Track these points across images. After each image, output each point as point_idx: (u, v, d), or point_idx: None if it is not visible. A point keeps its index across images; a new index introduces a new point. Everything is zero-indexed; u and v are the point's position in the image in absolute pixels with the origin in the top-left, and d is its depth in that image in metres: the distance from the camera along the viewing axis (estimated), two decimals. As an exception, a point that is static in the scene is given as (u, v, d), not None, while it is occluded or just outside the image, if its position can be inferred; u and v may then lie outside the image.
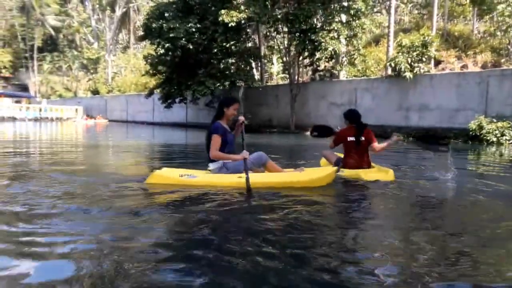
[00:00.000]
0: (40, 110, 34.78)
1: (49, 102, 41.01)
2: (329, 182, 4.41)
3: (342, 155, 5.43)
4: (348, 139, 5.11)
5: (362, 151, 5.15)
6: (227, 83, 19.17)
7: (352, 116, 5.27)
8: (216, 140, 4.27)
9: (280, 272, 2.06)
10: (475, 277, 2.05)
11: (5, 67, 47.62)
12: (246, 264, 2.14)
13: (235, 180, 4.16)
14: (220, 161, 4.35)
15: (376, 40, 22.47)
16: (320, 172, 4.48)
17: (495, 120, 12.59)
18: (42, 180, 4.57)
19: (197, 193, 3.89)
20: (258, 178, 4.22)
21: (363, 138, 5.11)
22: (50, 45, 48.31)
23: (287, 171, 4.56)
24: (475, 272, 2.11)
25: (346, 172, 5.00)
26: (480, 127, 12.62)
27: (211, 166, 4.42)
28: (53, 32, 46.37)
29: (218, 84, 19.06)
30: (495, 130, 12.32)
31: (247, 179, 3.99)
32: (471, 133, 12.87)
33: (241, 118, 4.52)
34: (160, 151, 9.85)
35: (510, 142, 12.18)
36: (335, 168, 4.59)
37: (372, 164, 5.27)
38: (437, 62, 17.42)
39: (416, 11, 26.08)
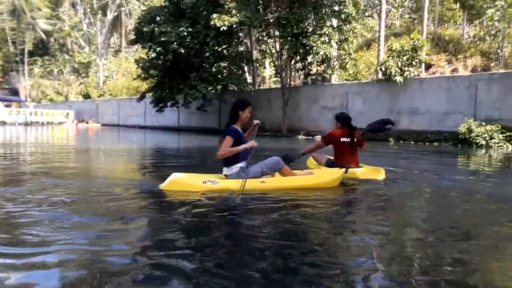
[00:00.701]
0: (31, 114, 34.45)
1: (39, 106, 40.65)
2: (338, 183, 4.61)
3: (331, 157, 5.54)
4: (342, 140, 5.35)
5: (353, 151, 5.40)
6: (219, 87, 19.16)
7: (345, 119, 5.49)
8: (228, 141, 4.20)
9: (270, 280, 2.05)
10: (470, 282, 2.04)
11: (-6, 71, 47.19)
12: (238, 270, 2.13)
13: (258, 185, 4.18)
14: (237, 166, 4.30)
15: (368, 44, 22.61)
16: (330, 175, 4.67)
17: (484, 124, 12.72)
18: (38, 185, 4.51)
19: (210, 198, 3.87)
20: (274, 182, 4.35)
21: (355, 140, 5.37)
22: (41, 49, 47.91)
23: (299, 174, 4.67)
24: (470, 279, 2.09)
25: None
26: (470, 131, 12.75)
27: (227, 171, 4.35)
28: (44, 36, 46.02)
29: (210, 88, 19.06)
30: (484, 133, 12.45)
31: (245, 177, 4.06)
32: (460, 136, 12.99)
33: (256, 121, 4.63)
34: (157, 155, 9.80)
35: (499, 145, 12.31)
36: (343, 170, 4.80)
37: (360, 164, 5.49)
38: (428, 66, 17.57)
39: (407, 16, 26.30)
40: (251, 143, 4.26)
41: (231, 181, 4.23)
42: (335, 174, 4.67)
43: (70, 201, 3.67)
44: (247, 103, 4.47)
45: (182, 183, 4.15)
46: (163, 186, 4.16)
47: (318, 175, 4.64)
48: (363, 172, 5.20)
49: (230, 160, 4.30)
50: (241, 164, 4.29)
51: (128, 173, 6.02)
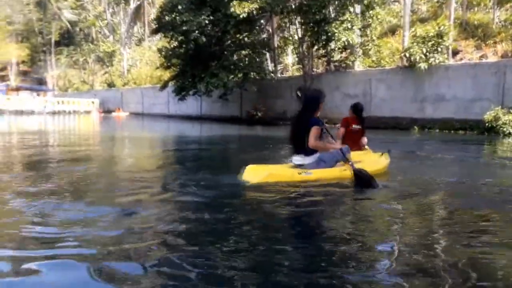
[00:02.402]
0: (58, 103, 35.37)
1: (63, 95, 41.57)
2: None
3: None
4: (353, 127, 5.94)
5: (360, 137, 5.96)
6: (240, 75, 19.12)
7: (361, 109, 6.15)
8: (317, 131, 4.38)
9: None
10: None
11: (23, 61, 48.47)
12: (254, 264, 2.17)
13: (343, 173, 4.37)
14: (315, 155, 4.43)
15: (393, 30, 22.04)
16: (379, 163, 4.97)
17: (511, 111, 12.30)
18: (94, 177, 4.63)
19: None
20: (340, 172, 4.47)
21: (362, 128, 6.06)
22: (67, 38, 48.88)
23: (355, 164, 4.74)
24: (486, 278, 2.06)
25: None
26: (496, 118, 12.35)
27: (303, 160, 4.44)
28: (69, 26, 46.89)
29: (232, 76, 19.03)
30: (512, 122, 12.05)
31: (352, 166, 4.30)
32: (487, 124, 12.60)
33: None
34: (200, 146, 10.10)
35: (527, 133, 11.90)
36: (386, 159, 5.16)
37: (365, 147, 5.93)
38: (455, 52, 17.02)
39: (434, 0, 25.42)
40: (338, 145, 4.64)
41: (321, 170, 4.34)
42: (384, 161, 5.02)
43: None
44: (324, 93, 4.79)
45: (278, 174, 4.23)
46: (255, 180, 4.07)
47: (370, 164, 4.71)
48: (367, 154, 5.54)
49: (310, 149, 4.41)
50: (319, 154, 4.45)
51: (200, 167, 5.90)
